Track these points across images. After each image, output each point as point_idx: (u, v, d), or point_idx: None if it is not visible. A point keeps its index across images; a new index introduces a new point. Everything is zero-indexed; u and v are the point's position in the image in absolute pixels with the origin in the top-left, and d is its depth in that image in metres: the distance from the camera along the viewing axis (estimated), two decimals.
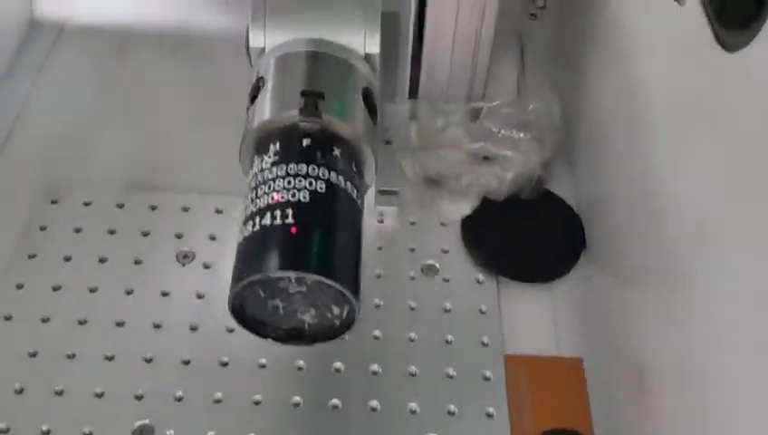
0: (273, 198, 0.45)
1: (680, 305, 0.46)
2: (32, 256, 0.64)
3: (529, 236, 0.66)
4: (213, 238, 0.66)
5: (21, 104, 0.75)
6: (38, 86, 0.77)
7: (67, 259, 0.64)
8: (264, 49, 0.52)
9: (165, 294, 0.62)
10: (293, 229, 0.43)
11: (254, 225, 0.44)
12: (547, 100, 0.69)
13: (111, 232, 0.65)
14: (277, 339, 0.48)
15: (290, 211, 0.44)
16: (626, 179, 0.58)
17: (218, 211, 0.67)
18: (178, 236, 0.65)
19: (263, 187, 0.46)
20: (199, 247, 0.65)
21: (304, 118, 0.46)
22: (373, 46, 0.52)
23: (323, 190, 0.45)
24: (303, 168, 0.45)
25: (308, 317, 0.46)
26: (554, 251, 0.66)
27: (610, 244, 0.62)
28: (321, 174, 0.46)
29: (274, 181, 0.45)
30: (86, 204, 0.67)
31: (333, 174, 0.46)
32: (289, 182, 0.45)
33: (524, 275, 0.65)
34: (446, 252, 0.66)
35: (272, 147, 0.47)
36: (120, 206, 0.67)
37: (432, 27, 0.67)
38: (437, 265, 0.65)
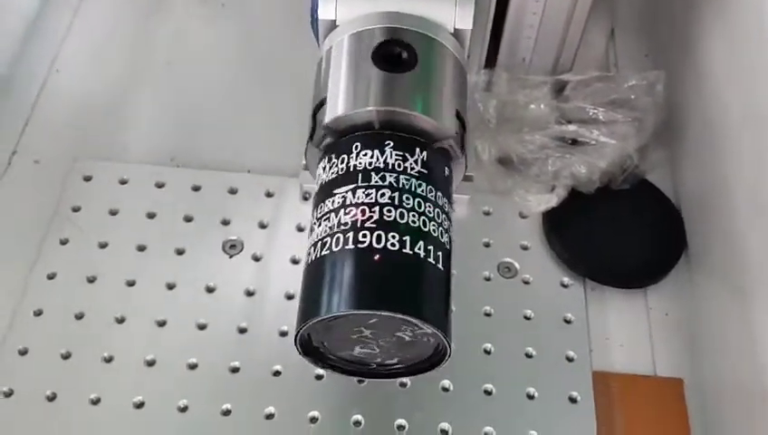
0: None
1: None
2: (64, 242, 0.57)
3: (622, 232, 0.58)
4: (263, 226, 0.58)
5: (50, 61, 0.67)
6: (67, 41, 0.69)
7: (102, 246, 0.57)
8: (334, 22, 0.43)
9: (210, 290, 0.56)
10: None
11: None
12: (649, 73, 0.59)
13: (151, 215, 0.58)
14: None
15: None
16: (753, 170, 0.50)
17: (269, 194, 0.60)
18: (225, 223, 0.58)
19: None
20: (248, 236, 0.58)
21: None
22: (465, 21, 0.43)
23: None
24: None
25: (384, 354, 0.39)
26: (651, 251, 0.58)
27: (720, 245, 0.54)
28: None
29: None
30: (122, 182, 0.60)
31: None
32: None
33: (616, 278, 0.57)
34: (525, 249, 0.58)
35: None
36: (161, 185, 0.60)
37: None
38: (516, 265, 0.57)
